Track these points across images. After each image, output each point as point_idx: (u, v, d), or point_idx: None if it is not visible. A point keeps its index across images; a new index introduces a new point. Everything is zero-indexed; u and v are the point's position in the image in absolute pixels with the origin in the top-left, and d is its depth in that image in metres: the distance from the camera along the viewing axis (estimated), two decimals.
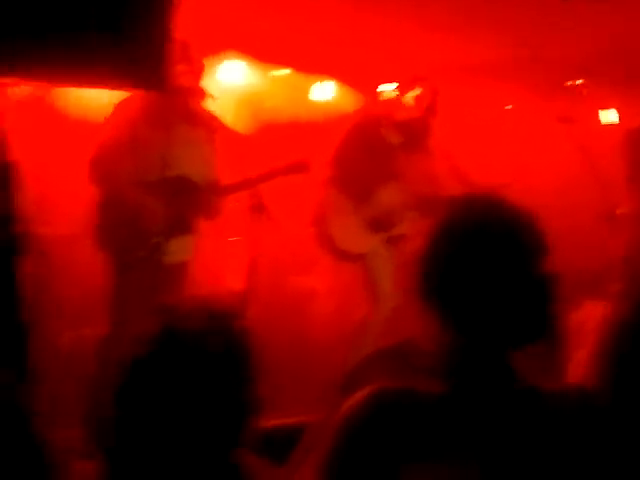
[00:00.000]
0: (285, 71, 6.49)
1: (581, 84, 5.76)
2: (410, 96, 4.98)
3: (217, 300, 1.68)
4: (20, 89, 3.74)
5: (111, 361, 4.00)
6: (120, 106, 4.21)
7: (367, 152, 4.90)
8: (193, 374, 1.52)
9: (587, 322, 1.83)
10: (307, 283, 6.18)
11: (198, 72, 4.33)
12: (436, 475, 1.47)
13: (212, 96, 4.32)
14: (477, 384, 1.56)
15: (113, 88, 3.66)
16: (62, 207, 5.05)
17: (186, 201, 4.27)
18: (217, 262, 5.66)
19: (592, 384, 1.73)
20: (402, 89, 5.04)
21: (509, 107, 7.08)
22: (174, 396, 1.51)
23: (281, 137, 6.03)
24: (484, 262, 1.57)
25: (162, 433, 1.51)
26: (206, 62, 4.63)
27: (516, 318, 1.57)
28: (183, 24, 2.95)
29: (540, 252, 1.61)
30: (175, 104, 4.21)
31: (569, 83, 5.81)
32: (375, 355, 1.91)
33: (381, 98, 5.22)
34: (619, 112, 6.68)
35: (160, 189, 4.20)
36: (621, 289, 1.87)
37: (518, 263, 1.58)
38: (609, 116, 6.75)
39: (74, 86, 4.43)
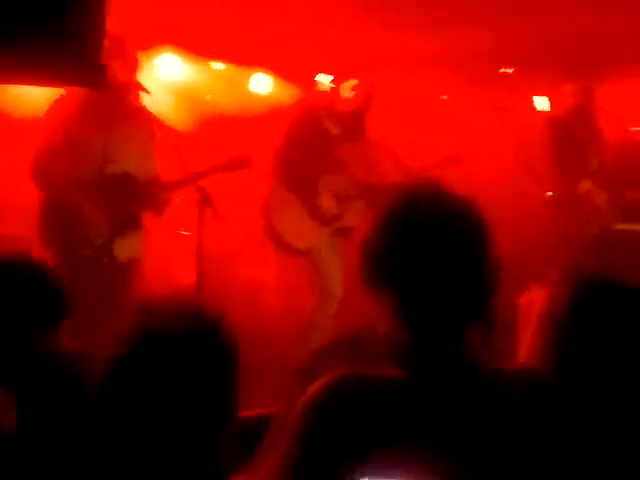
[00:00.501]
0: (222, 65, 6.48)
1: (513, 72, 5.89)
2: (347, 87, 5.00)
3: (196, 299, 1.67)
4: None
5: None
6: (56, 104, 4.16)
7: (309, 144, 4.89)
8: (180, 376, 1.51)
9: (533, 305, 1.88)
10: (256, 275, 6.17)
11: (133, 67, 4.29)
12: (396, 461, 1.49)
13: (148, 91, 4.28)
14: (430, 367, 1.59)
15: (48, 85, 3.63)
16: (12, 207, 4.97)
17: (130, 198, 4.24)
18: (167, 256, 5.64)
19: (537, 364, 1.79)
20: (338, 80, 5.07)
21: (444, 97, 7.17)
22: (160, 398, 1.50)
23: (221, 130, 6.02)
24: (427, 248, 1.60)
25: (146, 433, 1.50)
26: (143, 57, 4.61)
27: (461, 301, 1.60)
28: (118, 19, 2.92)
29: (482, 236, 1.65)
30: (112, 100, 4.17)
31: (501, 71, 5.93)
32: (330, 345, 1.93)
33: (318, 89, 5.22)
34: (551, 100, 6.82)
35: (101, 186, 4.16)
36: (560, 272, 1.93)
37: (460, 248, 1.61)
38: (542, 104, 6.87)
39: (10, 83, 4.36)
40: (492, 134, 5.66)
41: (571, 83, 5.89)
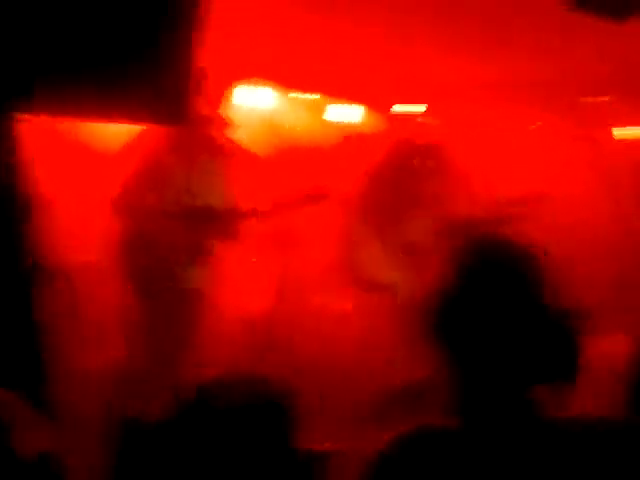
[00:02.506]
0: (304, 94, 6.53)
1: (599, 101, 5.76)
2: (427, 117, 4.98)
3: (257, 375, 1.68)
4: (43, 122, 3.79)
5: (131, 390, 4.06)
6: (142, 137, 4.25)
7: (396, 179, 4.88)
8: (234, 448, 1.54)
9: (606, 356, 1.83)
10: (334, 305, 6.16)
11: (218, 101, 4.37)
12: None
13: (232, 124, 4.34)
14: (495, 420, 1.58)
15: (135, 122, 3.70)
16: (86, 235, 5.10)
17: (209, 229, 4.31)
18: (242, 286, 5.69)
19: (613, 415, 1.74)
20: (419, 111, 5.04)
21: (534, 126, 7.03)
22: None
23: (302, 160, 6.06)
24: (495, 300, 1.59)
25: None
26: (226, 88, 4.68)
27: (534, 356, 1.58)
28: (205, 50, 2.97)
29: (549, 288, 1.62)
30: (196, 134, 4.24)
31: (586, 100, 5.80)
32: (398, 391, 1.92)
33: (401, 122, 5.20)
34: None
35: (183, 219, 4.24)
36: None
37: (529, 300, 1.60)
38: (627, 133, 6.71)
39: (98, 121, 4.48)
40: (574, 165, 5.52)
41: None
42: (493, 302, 1.60)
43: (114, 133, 4.95)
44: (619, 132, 6.65)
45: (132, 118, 3.19)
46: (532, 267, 1.63)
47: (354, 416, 4.30)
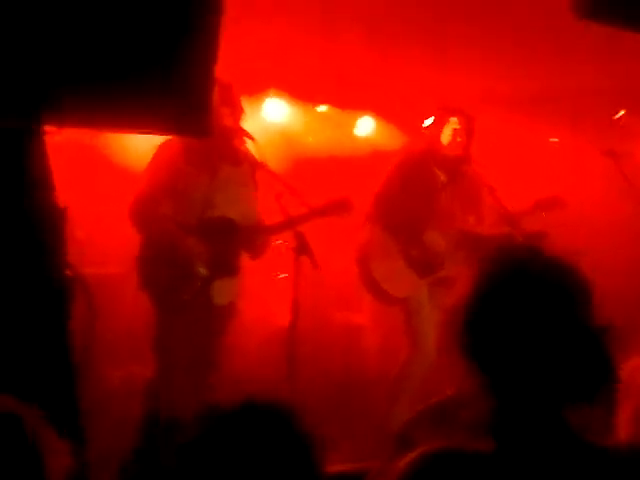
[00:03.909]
0: (326, 108, 6.53)
1: (625, 116, 5.68)
2: (449, 130, 4.91)
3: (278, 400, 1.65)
4: (67, 135, 3.80)
5: (158, 404, 4.04)
6: (161, 148, 4.23)
7: (414, 191, 4.81)
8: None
9: (634, 378, 1.78)
10: (352, 320, 6.13)
11: (239, 113, 4.34)
12: None
13: (252, 137, 4.32)
14: (528, 442, 1.52)
15: (158, 133, 3.70)
16: (109, 248, 5.12)
17: (230, 241, 4.28)
18: (264, 300, 5.68)
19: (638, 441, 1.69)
20: (440, 123, 4.96)
21: (554, 140, 6.98)
22: None
23: (323, 174, 6.05)
24: (526, 318, 1.53)
25: None
26: (248, 102, 4.66)
27: (566, 374, 1.52)
28: (222, 64, 2.97)
29: (585, 304, 1.57)
30: (217, 146, 4.22)
31: (616, 116, 5.73)
32: (425, 410, 1.89)
33: (421, 133, 5.14)
34: None
35: (203, 230, 4.22)
36: None
37: (562, 316, 1.54)
38: None
39: (120, 132, 4.49)
40: (603, 181, 5.44)
41: None
42: (523, 318, 1.55)
43: (136, 145, 4.98)
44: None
45: (154, 129, 3.18)
46: (562, 283, 1.59)
47: (379, 435, 4.27)
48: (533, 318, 1.54)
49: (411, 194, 4.81)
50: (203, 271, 4.19)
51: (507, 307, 1.56)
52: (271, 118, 6.15)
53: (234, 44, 3.74)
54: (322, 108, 6.57)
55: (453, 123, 4.89)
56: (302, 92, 6.17)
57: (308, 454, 1.57)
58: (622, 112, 5.86)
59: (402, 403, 4.61)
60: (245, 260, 4.45)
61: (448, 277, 4.77)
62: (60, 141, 2.97)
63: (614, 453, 1.57)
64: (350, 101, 6.44)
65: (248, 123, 4.47)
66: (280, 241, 4.64)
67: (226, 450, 1.54)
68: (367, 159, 6.23)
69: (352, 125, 6.70)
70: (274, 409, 1.59)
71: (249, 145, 4.36)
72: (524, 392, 1.54)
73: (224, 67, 3.06)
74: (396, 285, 4.84)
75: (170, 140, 4.19)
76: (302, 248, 4.08)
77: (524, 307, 1.55)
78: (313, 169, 6.12)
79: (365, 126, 6.73)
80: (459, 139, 4.88)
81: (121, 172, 5.11)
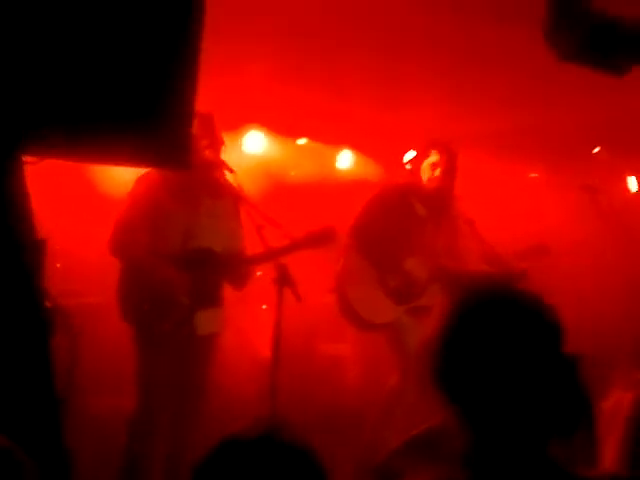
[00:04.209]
0: (306, 141, 6.58)
1: (601, 152, 5.76)
2: (429, 165, 4.95)
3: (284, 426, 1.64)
4: (48, 163, 3.81)
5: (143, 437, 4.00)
6: (141, 179, 4.23)
7: (392, 221, 4.84)
8: None
9: (618, 409, 1.80)
10: (337, 350, 6.13)
11: (219, 145, 4.36)
12: None
13: (232, 170, 4.33)
14: (506, 474, 1.53)
15: (137, 166, 3.71)
16: (90, 277, 5.10)
17: (212, 272, 4.27)
18: (246, 331, 5.67)
19: (624, 471, 1.70)
20: (419, 156, 5.00)
21: (534, 175, 7.05)
22: None
23: (304, 205, 6.07)
24: (497, 350, 1.55)
25: None
26: (228, 134, 4.69)
27: (539, 406, 1.54)
28: (203, 97, 3.00)
29: (556, 338, 1.59)
30: (197, 177, 4.24)
31: (594, 151, 5.79)
32: (406, 443, 1.89)
33: (401, 167, 5.18)
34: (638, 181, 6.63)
35: (184, 261, 4.20)
36: None
37: (533, 349, 1.56)
38: (633, 184, 6.69)
39: (102, 164, 4.50)
40: (583, 216, 5.49)
41: None
42: (494, 351, 1.56)
43: (118, 173, 4.98)
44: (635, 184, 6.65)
45: (133, 162, 3.19)
46: (537, 317, 1.60)
47: (362, 466, 4.26)
48: (504, 350, 1.56)
49: (389, 224, 4.84)
50: (185, 301, 4.17)
51: (478, 339, 1.58)
52: (251, 151, 6.19)
53: (214, 78, 3.79)
54: (302, 141, 6.62)
55: (433, 156, 4.93)
56: (282, 126, 6.22)
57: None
58: (598, 148, 5.95)
59: (388, 431, 4.60)
60: (228, 291, 4.44)
61: (427, 306, 4.80)
62: (40, 169, 2.98)
63: None
64: (329, 135, 6.49)
65: (229, 156, 4.48)
66: (260, 273, 4.66)
67: None
68: (347, 191, 6.27)
69: (332, 158, 6.75)
70: (293, 443, 1.58)
71: (229, 177, 4.37)
72: (498, 424, 1.55)
73: (204, 100, 3.09)
74: (373, 311, 4.86)
75: (150, 171, 4.18)
76: (284, 279, 4.08)
77: (495, 339, 1.58)
78: (294, 201, 6.14)
79: (345, 159, 6.79)
80: (437, 173, 4.91)
81: (103, 200, 5.11)
